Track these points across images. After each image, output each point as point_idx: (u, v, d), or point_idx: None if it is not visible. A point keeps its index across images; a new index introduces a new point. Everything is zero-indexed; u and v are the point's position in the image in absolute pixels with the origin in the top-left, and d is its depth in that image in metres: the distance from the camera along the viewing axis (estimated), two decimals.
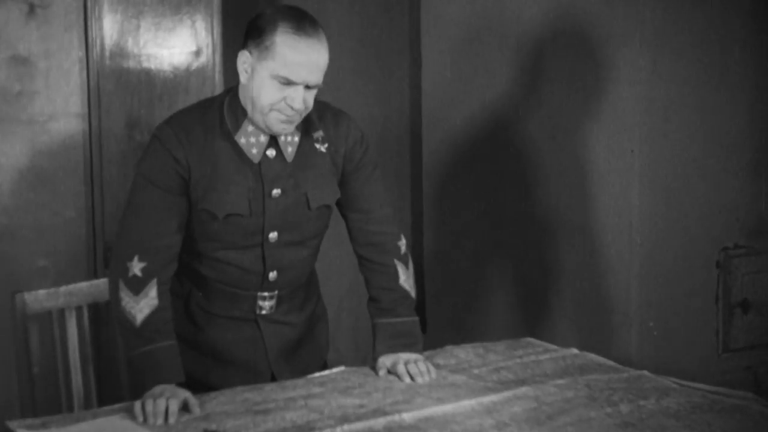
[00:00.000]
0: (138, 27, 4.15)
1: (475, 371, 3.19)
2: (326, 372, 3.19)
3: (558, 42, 4.58)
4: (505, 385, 3.04)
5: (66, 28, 3.99)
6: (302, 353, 3.34)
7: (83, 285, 3.61)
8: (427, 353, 3.33)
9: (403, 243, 3.33)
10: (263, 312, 3.21)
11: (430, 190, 5.33)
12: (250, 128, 3.05)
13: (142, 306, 2.98)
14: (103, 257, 4.07)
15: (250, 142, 3.06)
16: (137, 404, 2.85)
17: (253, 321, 3.22)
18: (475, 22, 4.99)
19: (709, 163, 4.51)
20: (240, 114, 3.05)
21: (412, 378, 3.11)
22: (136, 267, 2.99)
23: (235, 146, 3.06)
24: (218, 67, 4.26)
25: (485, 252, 5.00)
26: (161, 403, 2.83)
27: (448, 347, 3.42)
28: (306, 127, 3.12)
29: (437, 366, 3.22)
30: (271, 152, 3.08)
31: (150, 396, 2.87)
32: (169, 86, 4.19)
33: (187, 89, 4.20)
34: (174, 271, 3.09)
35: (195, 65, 4.25)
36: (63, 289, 3.54)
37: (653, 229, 4.39)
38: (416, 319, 3.32)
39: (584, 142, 4.50)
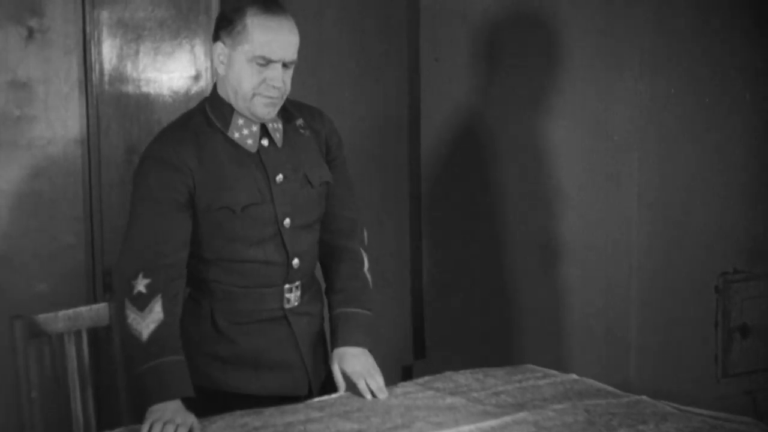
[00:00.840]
0: (137, 52, 4.15)
1: (474, 394, 3.18)
2: (325, 397, 3.19)
3: (558, 67, 4.59)
4: (503, 409, 3.03)
5: (65, 52, 4.00)
6: (323, 348, 3.40)
7: (82, 309, 3.61)
8: (425, 379, 3.34)
9: (366, 234, 3.44)
10: (290, 305, 3.23)
11: (429, 216, 5.33)
12: (241, 121, 3.13)
13: (148, 322, 2.99)
14: (103, 282, 4.06)
15: (244, 134, 3.14)
16: (144, 428, 2.86)
17: (282, 318, 3.23)
18: (473, 45, 5.00)
19: (708, 187, 4.51)
20: (226, 110, 3.14)
21: (373, 395, 3.16)
22: (141, 284, 3.01)
23: (230, 142, 3.13)
24: None
25: (484, 276, 5.00)
26: (170, 429, 2.83)
27: (448, 373, 3.42)
28: (286, 116, 3.23)
29: (436, 390, 3.22)
30: (264, 141, 3.17)
31: (158, 420, 2.86)
32: (168, 111, 4.19)
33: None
34: (182, 287, 3.11)
35: (194, 89, 4.25)
36: (62, 313, 3.54)
37: (652, 254, 4.39)
38: (371, 314, 3.37)
39: (584, 166, 4.50)
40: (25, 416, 3.47)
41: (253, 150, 3.14)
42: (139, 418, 2.92)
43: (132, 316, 3.00)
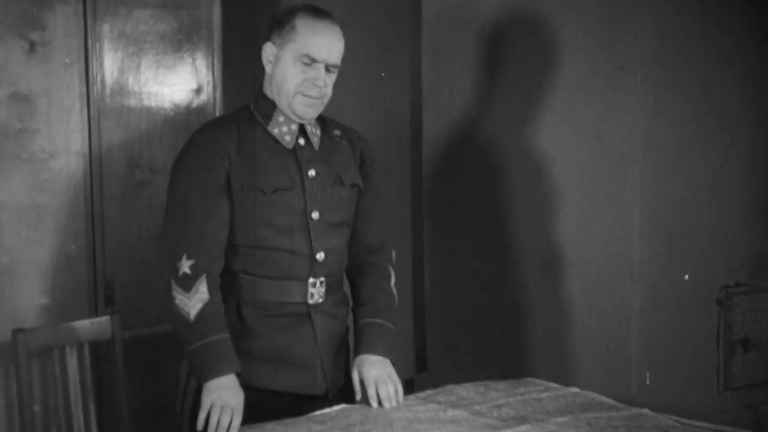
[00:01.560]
0: (139, 65, 4.16)
1: (476, 408, 3.18)
2: (327, 410, 3.19)
3: (559, 77, 4.59)
4: (505, 422, 3.03)
5: (67, 65, 4.00)
6: (344, 353, 3.45)
7: (84, 322, 3.62)
8: (427, 392, 3.34)
9: (394, 254, 3.56)
10: (313, 300, 3.29)
11: (431, 230, 5.33)
12: (281, 118, 3.28)
13: (195, 302, 3.12)
14: (104, 295, 4.07)
15: (283, 131, 3.29)
16: (202, 415, 3.04)
17: (305, 315, 3.29)
18: (474, 58, 5.01)
19: (710, 200, 4.51)
20: (269, 107, 3.29)
21: (380, 403, 3.23)
22: (185, 265, 3.13)
23: (269, 136, 3.28)
24: (219, 105, 4.28)
25: (486, 289, 4.99)
26: (225, 419, 3.02)
27: (449, 386, 3.42)
28: (323, 126, 3.39)
29: (438, 403, 3.22)
30: (301, 140, 3.31)
31: (215, 405, 3.04)
32: (169, 124, 4.20)
33: (188, 127, 4.20)
34: (221, 267, 3.22)
35: (196, 103, 4.26)
36: (64, 326, 3.56)
37: (654, 267, 4.39)
38: (394, 328, 3.45)
39: (585, 178, 4.50)
40: (27, 430, 3.48)
41: (290, 146, 3.28)
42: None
43: (179, 297, 3.12)
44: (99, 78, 4.07)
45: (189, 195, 3.19)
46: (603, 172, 4.44)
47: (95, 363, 3.91)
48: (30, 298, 3.95)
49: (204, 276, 3.13)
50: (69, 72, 4.01)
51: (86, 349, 3.60)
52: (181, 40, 4.23)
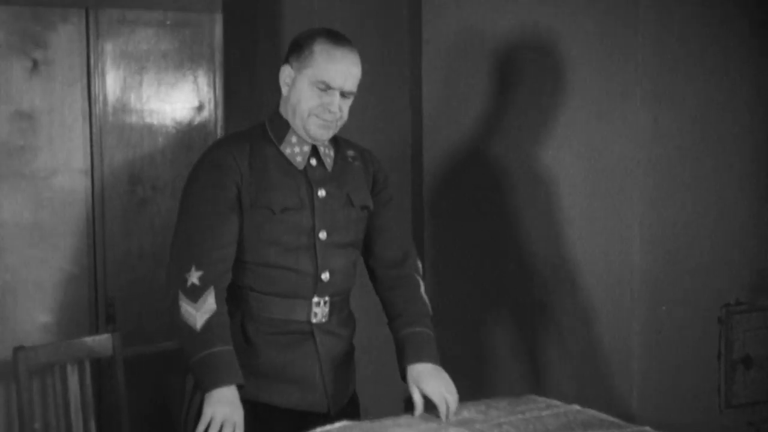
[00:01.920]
0: (141, 83, 4.17)
1: (477, 426, 3.18)
2: (327, 427, 3.18)
3: (560, 94, 4.60)
4: None
5: (69, 83, 4.02)
6: (347, 371, 3.45)
7: (85, 340, 3.62)
8: (427, 412, 3.33)
9: (420, 263, 3.58)
10: (317, 320, 3.30)
11: (430, 246, 5.33)
12: (294, 139, 3.30)
13: (202, 312, 3.12)
14: (105, 313, 4.07)
15: (295, 151, 3.30)
16: (201, 427, 3.02)
17: (309, 334, 3.30)
18: (475, 77, 5.02)
19: (710, 218, 4.51)
20: (284, 127, 3.31)
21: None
22: (194, 276, 3.13)
23: (282, 155, 3.29)
24: (220, 122, 4.29)
25: (485, 305, 4.99)
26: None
27: None
28: (337, 147, 3.41)
29: (438, 423, 3.22)
30: (313, 161, 3.32)
31: (218, 416, 3.03)
32: (171, 141, 4.21)
33: (190, 144, 4.22)
34: (228, 281, 3.23)
35: (197, 120, 4.27)
36: (65, 343, 3.56)
37: (654, 285, 4.39)
38: (433, 334, 3.46)
39: (585, 195, 4.50)
40: None
41: (300, 167, 3.29)
42: (202, 396, 3.00)
43: (185, 307, 3.12)
44: (101, 96, 4.08)
45: (200, 209, 3.20)
46: (603, 189, 4.44)
47: (96, 380, 3.91)
48: (31, 316, 3.95)
49: (212, 287, 3.14)
50: (71, 90, 4.03)
51: (87, 366, 3.60)
52: (182, 59, 4.25)
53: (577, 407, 3.39)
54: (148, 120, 4.18)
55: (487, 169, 4.95)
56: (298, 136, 3.29)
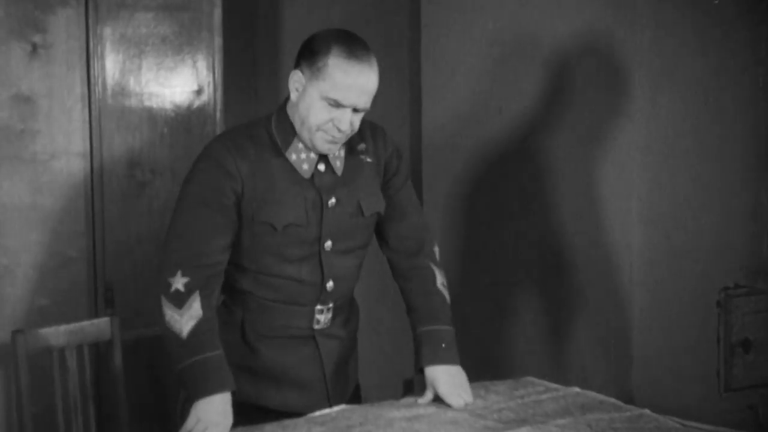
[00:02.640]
0: (140, 66, 4.16)
1: (476, 410, 3.18)
2: (326, 411, 3.18)
3: (559, 83, 4.60)
4: (506, 424, 3.03)
5: (68, 67, 4.01)
6: (348, 370, 3.40)
7: (84, 324, 3.62)
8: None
9: (437, 249, 3.44)
10: (319, 326, 3.24)
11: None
12: (300, 145, 3.14)
13: (187, 319, 3.00)
14: (104, 296, 4.07)
15: (301, 158, 3.14)
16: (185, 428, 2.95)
17: (310, 338, 3.25)
18: (475, 56, 5.01)
19: (709, 202, 4.51)
20: (290, 131, 3.13)
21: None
22: (179, 282, 3.02)
23: (287, 162, 3.14)
24: (219, 106, 4.28)
25: (484, 289, 5.00)
26: None
27: None
28: (349, 140, 3.21)
29: (438, 404, 3.22)
30: (321, 166, 3.17)
31: (203, 419, 2.94)
32: (170, 125, 4.20)
33: (189, 128, 4.21)
34: (219, 285, 3.12)
35: (196, 104, 4.26)
36: (63, 328, 3.55)
37: (653, 269, 4.39)
38: (453, 329, 3.38)
39: (584, 180, 4.51)
40: (26, 431, 3.47)
41: (307, 176, 3.14)
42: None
43: (170, 313, 3.01)
44: (100, 80, 4.07)
45: (194, 210, 3.07)
46: (602, 173, 4.44)
47: (94, 364, 3.90)
48: (29, 299, 3.95)
49: (197, 293, 3.02)
50: (70, 74, 4.02)
51: (86, 350, 3.60)
52: (182, 42, 4.24)
53: (576, 390, 3.39)
54: (147, 104, 4.18)
55: (484, 152, 4.95)
56: (304, 143, 3.13)
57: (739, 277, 4.61)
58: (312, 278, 3.19)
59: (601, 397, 3.31)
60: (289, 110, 3.15)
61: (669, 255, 4.43)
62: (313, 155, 3.14)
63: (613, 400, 3.28)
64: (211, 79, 4.27)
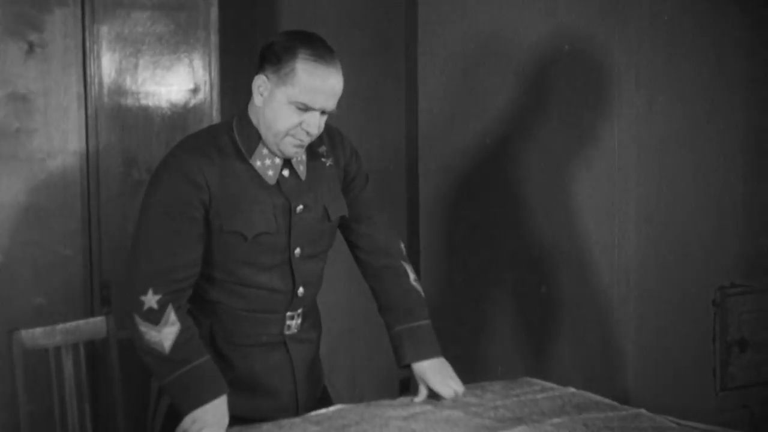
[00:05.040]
0: (136, 65, 4.16)
1: (472, 408, 3.18)
2: (323, 410, 3.18)
3: (554, 81, 4.60)
4: (502, 423, 3.03)
5: (64, 66, 4.01)
6: (316, 372, 3.39)
7: (80, 323, 3.61)
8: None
9: (403, 246, 3.45)
10: (290, 332, 3.22)
11: (426, 231, 5.33)
12: (265, 151, 3.09)
13: (166, 333, 2.96)
14: (100, 295, 4.06)
15: (266, 164, 3.09)
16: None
17: (281, 344, 3.23)
18: (472, 54, 5.01)
19: (706, 201, 4.52)
20: (254, 137, 3.09)
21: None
22: (152, 300, 2.97)
23: (252, 168, 3.09)
24: (216, 105, 4.28)
25: (481, 289, 5.00)
26: None
27: None
28: (310, 144, 3.15)
29: (434, 403, 3.22)
30: (285, 172, 3.13)
31: (199, 420, 2.93)
32: (167, 124, 4.20)
33: (185, 127, 4.21)
34: (189, 294, 3.07)
35: (193, 103, 4.26)
36: (59, 327, 3.54)
37: (650, 268, 4.40)
38: (430, 321, 3.38)
39: (580, 180, 4.51)
40: (22, 430, 3.47)
41: (272, 182, 3.10)
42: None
43: (148, 332, 2.96)
44: (96, 79, 4.07)
45: (161, 225, 3.00)
46: (599, 173, 4.45)
47: (90, 363, 3.90)
48: (26, 298, 3.95)
49: (170, 306, 2.97)
50: (67, 73, 4.02)
51: (81, 349, 3.59)
52: (178, 41, 4.24)
53: (572, 390, 3.39)
54: (143, 103, 4.17)
55: (481, 153, 4.95)
56: (269, 149, 3.09)
57: (735, 276, 4.61)
58: (283, 286, 3.16)
59: (597, 398, 3.31)
60: (252, 115, 3.11)
61: (665, 254, 4.43)
62: (278, 160, 3.11)
63: (608, 400, 3.28)
64: (207, 78, 4.27)
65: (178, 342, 2.96)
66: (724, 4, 4.55)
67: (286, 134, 3.02)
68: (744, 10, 4.61)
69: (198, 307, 3.16)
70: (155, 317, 2.96)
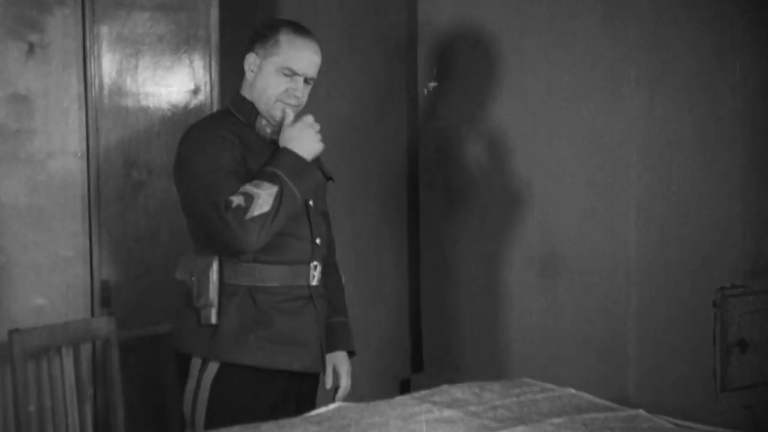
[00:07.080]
0: (136, 66, 4.17)
1: (471, 408, 3.17)
2: (323, 409, 3.19)
3: (554, 82, 4.60)
4: (501, 423, 3.03)
5: (65, 66, 4.01)
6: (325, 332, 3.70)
7: (80, 323, 3.62)
8: (422, 392, 3.34)
9: None
10: (314, 282, 3.52)
11: (427, 232, 5.33)
12: (264, 122, 3.48)
13: (260, 203, 3.24)
14: (100, 296, 4.06)
15: (268, 131, 3.47)
16: None
17: (308, 298, 3.50)
18: (472, 55, 5.02)
19: (706, 202, 4.52)
20: (252, 109, 3.49)
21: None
22: (237, 200, 3.23)
23: (255, 133, 3.47)
24: (216, 105, 4.29)
25: (481, 291, 5.00)
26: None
27: (444, 386, 3.41)
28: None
29: (433, 403, 3.22)
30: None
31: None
32: (167, 124, 4.21)
33: (185, 127, 4.20)
34: None
35: (193, 103, 4.26)
36: (60, 326, 3.56)
37: (650, 269, 4.39)
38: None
39: (581, 181, 4.51)
40: (23, 430, 3.48)
41: (275, 137, 3.43)
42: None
43: (249, 211, 3.22)
44: (97, 79, 4.08)
45: (211, 156, 3.32)
46: (598, 174, 4.45)
47: (91, 364, 3.91)
48: (26, 299, 3.95)
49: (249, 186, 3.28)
50: (67, 73, 4.02)
51: (82, 349, 3.60)
52: (178, 42, 4.24)
53: (571, 391, 3.39)
54: (143, 103, 4.18)
55: (481, 152, 4.95)
56: (267, 120, 3.47)
57: (736, 276, 4.61)
58: (304, 234, 3.48)
59: (596, 400, 3.31)
60: (246, 93, 3.51)
61: (665, 255, 4.43)
62: (276, 128, 3.45)
63: (608, 403, 3.28)
64: (207, 79, 4.28)
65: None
66: (724, 4, 4.55)
67: (276, 100, 3.43)
68: (744, 10, 4.61)
69: (236, 270, 3.39)
70: (246, 204, 3.22)
